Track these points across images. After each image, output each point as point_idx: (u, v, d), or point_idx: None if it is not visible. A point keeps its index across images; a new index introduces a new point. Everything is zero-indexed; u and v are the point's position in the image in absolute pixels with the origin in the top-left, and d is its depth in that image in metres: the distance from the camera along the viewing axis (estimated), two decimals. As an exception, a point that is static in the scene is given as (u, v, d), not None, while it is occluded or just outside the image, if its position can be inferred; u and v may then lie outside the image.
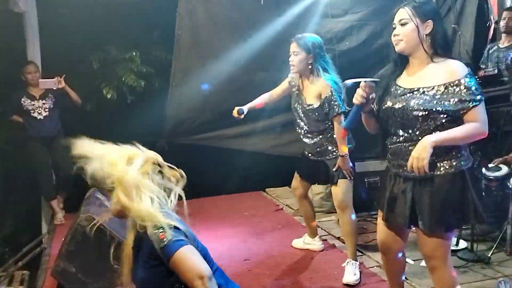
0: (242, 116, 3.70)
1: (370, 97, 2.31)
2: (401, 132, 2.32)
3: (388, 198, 2.43)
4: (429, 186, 2.26)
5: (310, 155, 3.62)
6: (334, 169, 3.47)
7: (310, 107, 3.46)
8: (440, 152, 2.22)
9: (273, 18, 5.36)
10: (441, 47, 2.26)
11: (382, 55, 5.28)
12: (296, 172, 3.86)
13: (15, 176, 5.82)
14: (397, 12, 2.32)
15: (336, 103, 3.34)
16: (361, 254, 3.87)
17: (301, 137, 3.63)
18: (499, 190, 3.80)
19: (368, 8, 5.74)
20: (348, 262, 3.50)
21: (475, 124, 2.17)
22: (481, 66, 4.87)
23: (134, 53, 5.57)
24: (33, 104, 4.91)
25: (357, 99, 2.32)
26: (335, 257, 3.89)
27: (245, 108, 3.72)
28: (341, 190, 3.50)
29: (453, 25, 5.16)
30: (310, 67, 3.41)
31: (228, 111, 5.51)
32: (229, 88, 5.38)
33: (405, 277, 2.74)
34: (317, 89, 3.41)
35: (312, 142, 3.55)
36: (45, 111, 4.94)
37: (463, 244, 3.79)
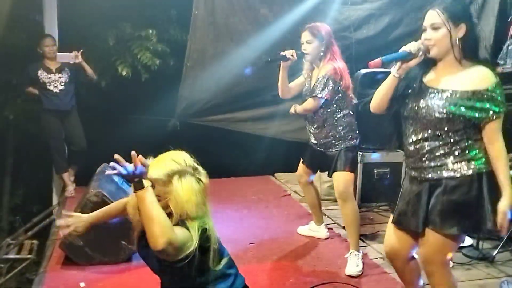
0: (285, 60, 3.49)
1: (421, 53, 2.22)
2: (420, 133, 2.27)
3: (403, 201, 2.40)
4: (444, 187, 2.23)
5: (314, 145, 3.66)
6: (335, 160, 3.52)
7: (310, 87, 3.51)
8: (458, 154, 2.21)
9: (292, 3, 5.31)
10: (471, 51, 2.21)
11: (399, 46, 5.23)
12: (301, 159, 3.88)
13: (28, 147, 5.91)
14: (427, 13, 2.23)
15: (323, 86, 3.39)
16: (365, 245, 3.89)
17: (307, 125, 3.67)
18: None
19: (387, -4, 5.67)
20: (351, 253, 3.51)
21: (503, 149, 2.18)
22: (499, 62, 4.80)
23: (150, 31, 5.57)
24: (49, 77, 4.95)
25: (410, 46, 2.22)
26: (339, 246, 3.92)
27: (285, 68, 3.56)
28: (342, 180, 3.52)
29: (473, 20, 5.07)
30: (322, 54, 3.48)
31: (241, 94, 5.56)
32: (244, 72, 5.37)
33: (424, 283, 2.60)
34: (321, 73, 3.47)
35: (317, 131, 3.59)
36: (61, 85, 4.98)
37: (468, 241, 3.78)
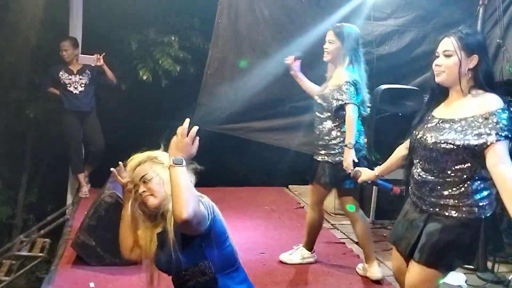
0: (294, 62, 3.68)
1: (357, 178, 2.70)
2: (425, 165, 2.25)
3: (400, 222, 2.40)
4: (441, 224, 2.19)
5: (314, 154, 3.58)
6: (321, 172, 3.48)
7: (322, 92, 3.46)
8: (461, 195, 2.15)
9: (315, 17, 5.31)
10: (482, 83, 2.16)
11: (420, 63, 5.22)
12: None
13: (46, 146, 5.99)
14: (442, 40, 2.22)
15: (346, 93, 3.29)
16: (378, 262, 3.83)
17: (314, 129, 3.57)
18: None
19: (411, 14, 5.64)
20: (298, 248, 3.79)
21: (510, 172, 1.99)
22: (523, 84, 4.73)
23: (173, 38, 5.62)
24: (70, 79, 5.02)
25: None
26: (351, 262, 3.87)
27: (297, 67, 3.71)
28: (313, 191, 3.64)
29: (498, 40, 5.02)
30: (341, 57, 3.39)
31: (259, 104, 5.57)
32: (263, 82, 5.37)
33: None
34: (336, 78, 3.39)
35: (317, 132, 3.50)
36: (81, 86, 5.04)
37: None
